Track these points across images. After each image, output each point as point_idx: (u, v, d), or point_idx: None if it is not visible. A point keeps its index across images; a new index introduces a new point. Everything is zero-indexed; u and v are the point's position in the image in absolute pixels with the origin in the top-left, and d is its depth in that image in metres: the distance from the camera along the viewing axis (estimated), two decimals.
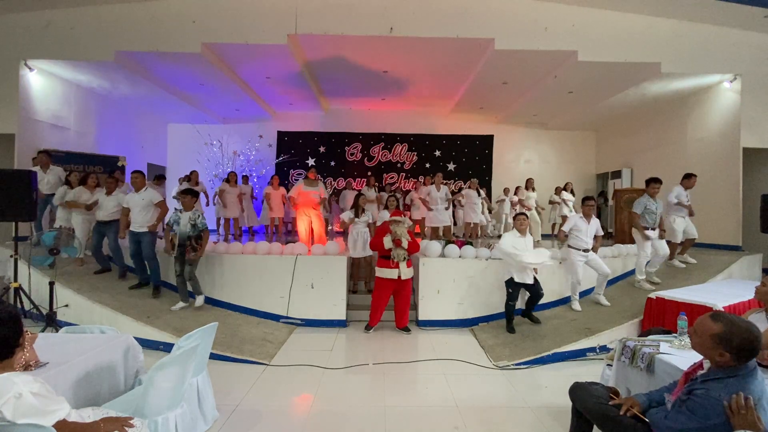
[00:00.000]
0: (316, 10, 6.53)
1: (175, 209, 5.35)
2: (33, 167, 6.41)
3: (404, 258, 4.98)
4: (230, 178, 8.74)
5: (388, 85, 9.40)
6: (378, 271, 5.09)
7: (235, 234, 8.81)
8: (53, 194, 6.32)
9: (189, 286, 5.16)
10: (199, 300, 5.19)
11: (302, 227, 6.80)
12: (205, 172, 10.83)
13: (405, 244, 4.96)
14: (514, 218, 5.12)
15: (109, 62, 6.84)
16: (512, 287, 4.86)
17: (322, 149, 11.77)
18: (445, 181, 9.50)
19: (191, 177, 8.63)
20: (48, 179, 6.31)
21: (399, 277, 4.95)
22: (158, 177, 8.57)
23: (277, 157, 11.61)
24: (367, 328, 5.18)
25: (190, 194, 5.16)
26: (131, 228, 5.42)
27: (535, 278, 4.87)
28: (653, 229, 5.55)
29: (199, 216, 5.08)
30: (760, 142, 6.94)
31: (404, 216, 5.25)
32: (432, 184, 8.33)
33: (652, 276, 5.79)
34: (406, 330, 5.18)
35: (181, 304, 5.13)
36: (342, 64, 8.08)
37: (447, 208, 8.15)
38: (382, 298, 5.10)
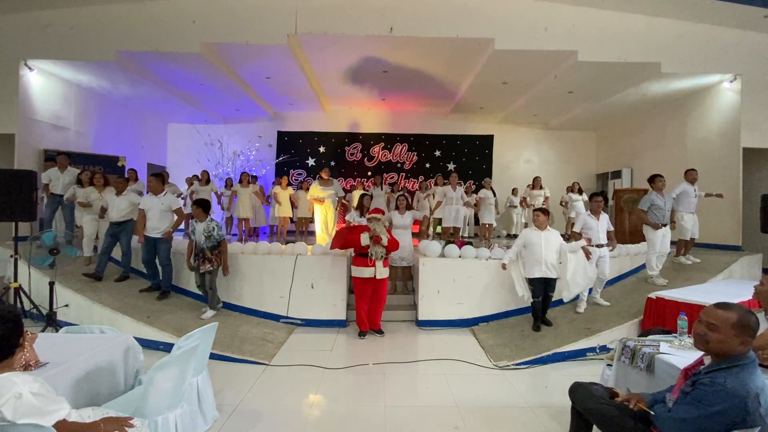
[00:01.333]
0: (316, 10, 6.53)
1: (191, 219, 5.31)
2: (49, 169, 6.48)
3: (382, 256, 4.87)
4: (242, 179, 8.76)
5: (388, 85, 9.40)
6: (354, 270, 4.95)
7: (248, 234, 8.79)
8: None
9: (208, 296, 5.10)
10: (208, 314, 5.03)
11: (321, 225, 6.92)
12: None
13: (384, 241, 4.83)
14: (533, 213, 5.17)
15: (109, 62, 6.85)
16: (532, 283, 4.83)
17: (322, 149, 11.77)
18: (459, 182, 9.45)
19: (202, 177, 8.64)
20: (63, 180, 6.38)
21: (375, 275, 4.84)
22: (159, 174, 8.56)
23: (277, 157, 11.61)
24: (361, 334, 4.98)
25: (199, 206, 5.01)
26: (146, 233, 5.29)
27: (552, 279, 4.79)
28: (663, 225, 5.55)
29: (214, 228, 4.95)
30: (760, 142, 6.94)
31: (383, 214, 5.17)
32: (446, 184, 8.33)
33: (653, 279, 5.75)
34: (380, 333, 5.04)
35: (210, 312, 5.05)
36: (342, 64, 8.08)
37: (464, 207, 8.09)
38: (364, 300, 4.97)
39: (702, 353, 1.96)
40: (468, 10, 6.56)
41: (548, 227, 4.90)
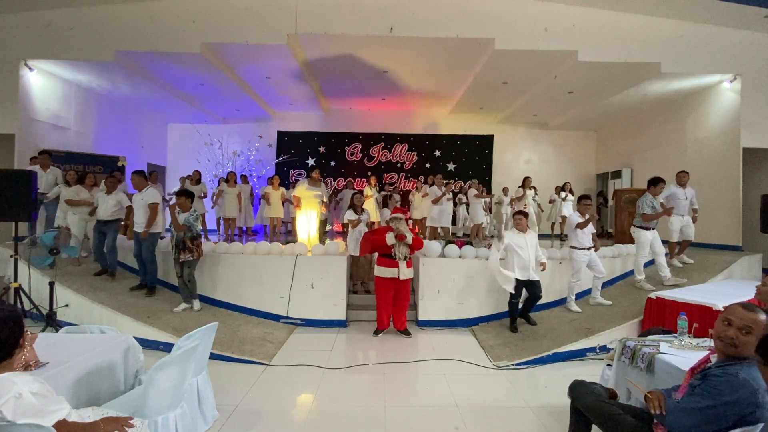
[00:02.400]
0: (316, 10, 6.53)
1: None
2: (30, 166, 6.43)
3: (406, 256, 4.87)
4: (229, 178, 8.74)
5: (388, 85, 9.40)
6: (377, 270, 4.96)
7: (231, 234, 8.77)
8: (46, 193, 6.33)
9: (186, 288, 5.12)
10: (196, 304, 5.11)
11: (302, 227, 6.84)
12: (205, 172, 10.83)
13: (409, 239, 4.84)
14: (513, 216, 5.18)
15: (109, 62, 6.85)
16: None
17: (322, 149, 11.78)
18: (445, 181, 9.47)
19: (193, 176, 8.62)
20: (46, 179, 6.34)
21: (398, 276, 4.82)
22: (151, 173, 8.55)
23: (277, 157, 11.61)
24: (377, 332, 5.02)
25: (184, 195, 5.05)
26: (134, 228, 5.41)
27: (536, 280, 4.84)
28: (652, 228, 5.55)
29: (196, 218, 5.01)
30: (760, 142, 6.94)
31: (405, 213, 5.16)
32: (434, 184, 8.32)
33: (668, 279, 5.58)
34: (406, 333, 5.06)
35: (183, 305, 5.11)
36: (342, 64, 8.08)
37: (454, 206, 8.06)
38: (387, 299, 4.96)
39: (707, 352, 1.96)
40: (468, 10, 6.56)
41: (528, 230, 4.99)
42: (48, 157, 6.47)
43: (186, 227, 4.93)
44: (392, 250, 4.84)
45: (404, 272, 4.87)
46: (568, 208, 9.28)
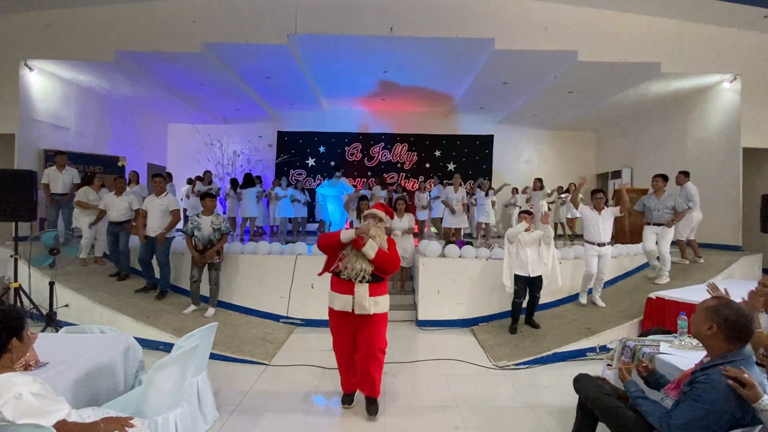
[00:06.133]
0: (316, 10, 6.53)
1: (189, 216, 5.24)
2: (47, 168, 6.50)
3: (365, 277, 2.92)
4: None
5: (388, 85, 9.39)
6: (329, 296, 3.14)
7: (256, 233, 8.80)
8: (66, 194, 6.36)
9: (209, 292, 5.09)
10: (210, 311, 5.05)
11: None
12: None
13: (371, 250, 2.90)
14: (519, 215, 5.15)
15: (109, 62, 6.84)
16: (516, 282, 4.82)
17: (322, 149, 11.78)
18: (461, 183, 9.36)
19: (204, 177, 8.63)
20: (63, 179, 6.38)
21: (352, 309, 2.91)
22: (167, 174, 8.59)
23: (277, 157, 11.61)
24: (344, 399, 3.25)
25: (210, 197, 5.05)
26: (146, 233, 5.32)
27: (537, 278, 4.79)
28: (655, 224, 5.54)
29: (223, 220, 5.03)
30: (760, 142, 6.93)
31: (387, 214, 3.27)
32: (447, 185, 8.32)
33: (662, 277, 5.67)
34: (371, 403, 3.10)
35: (192, 307, 5.06)
36: (342, 64, 8.08)
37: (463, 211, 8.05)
38: (342, 344, 3.12)
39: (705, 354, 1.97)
40: (468, 10, 6.56)
41: (531, 228, 4.93)
42: (64, 158, 6.52)
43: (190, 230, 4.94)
44: (340, 264, 2.99)
45: (363, 302, 2.89)
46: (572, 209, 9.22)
